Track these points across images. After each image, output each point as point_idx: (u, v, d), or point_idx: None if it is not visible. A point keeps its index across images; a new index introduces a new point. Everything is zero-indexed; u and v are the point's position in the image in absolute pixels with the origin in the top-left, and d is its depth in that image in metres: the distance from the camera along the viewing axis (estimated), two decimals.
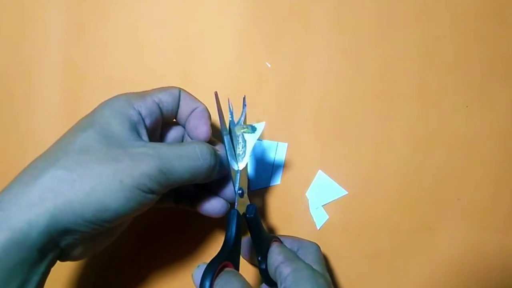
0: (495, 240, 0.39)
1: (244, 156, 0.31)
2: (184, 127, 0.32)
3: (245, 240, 0.34)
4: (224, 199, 0.32)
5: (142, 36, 0.38)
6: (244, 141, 0.32)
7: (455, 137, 0.39)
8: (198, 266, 0.28)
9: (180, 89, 0.31)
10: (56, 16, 0.38)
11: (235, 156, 0.31)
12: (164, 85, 0.31)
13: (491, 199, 0.39)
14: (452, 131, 0.39)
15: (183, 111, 0.31)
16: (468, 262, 0.38)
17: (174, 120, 0.32)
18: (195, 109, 0.31)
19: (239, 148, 0.31)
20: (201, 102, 0.31)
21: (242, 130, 0.32)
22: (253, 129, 0.32)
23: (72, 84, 0.38)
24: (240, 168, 0.31)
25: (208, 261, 0.27)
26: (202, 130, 0.30)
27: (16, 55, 0.38)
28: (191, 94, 0.31)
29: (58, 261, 0.26)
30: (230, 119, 0.31)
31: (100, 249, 0.29)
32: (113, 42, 0.38)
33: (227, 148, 0.30)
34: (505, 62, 0.39)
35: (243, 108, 0.32)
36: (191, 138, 0.32)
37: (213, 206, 0.32)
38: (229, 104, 0.31)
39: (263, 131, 0.38)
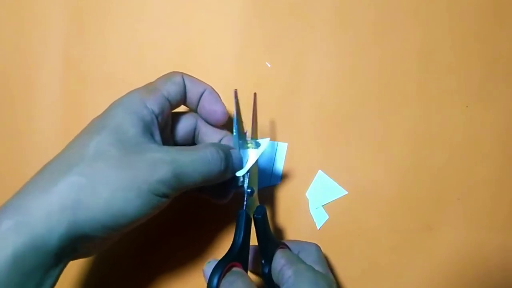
0: (495, 240, 0.39)
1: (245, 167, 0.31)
2: (194, 110, 0.32)
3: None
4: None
5: (142, 36, 0.38)
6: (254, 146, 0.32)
7: (455, 137, 0.39)
8: (209, 262, 0.28)
9: (182, 74, 0.31)
10: (56, 16, 0.38)
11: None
12: None
13: (491, 199, 0.39)
14: (452, 131, 0.39)
15: (192, 96, 0.31)
16: (468, 262, 0.38)
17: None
18: (203, 92, 0.31)
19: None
20: (205, 83, 0.32)
21: (246, 145, 0.32)
22: (257, 145, 0.32)
23: (72, 84, 0.38)
24: (240, 174, 0.31)
25: (218, 257, 0.27)
26: (218, 115, 0.31)
27: (16, 55, 0.38)
28: (193, 77, 0.31)
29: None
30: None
31: (110, 245, 0.29)
32: (113, 42, 0.38)
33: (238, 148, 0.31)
34: (505, 62, 0.39)
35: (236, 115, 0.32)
36: (208, 122, 0.32)
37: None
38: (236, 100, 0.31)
39: (262, 131, 0.38)
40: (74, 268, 0.37)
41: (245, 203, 0.30)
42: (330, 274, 0.30)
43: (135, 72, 0.38)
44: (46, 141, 0.27)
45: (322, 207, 0.38)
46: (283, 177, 0.38)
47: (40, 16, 0.38)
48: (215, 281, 0.26)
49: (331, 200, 0.38)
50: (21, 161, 0.38)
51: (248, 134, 0.33)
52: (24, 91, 0.38)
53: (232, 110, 0.31)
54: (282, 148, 0.38)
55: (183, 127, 0.32)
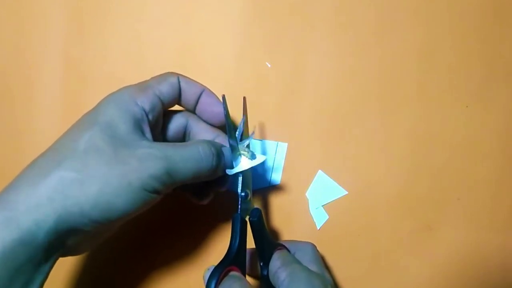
0: (495, 240, 0.39)
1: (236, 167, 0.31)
2: (191, 110, 0.32)
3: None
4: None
5: (142, 36, 0.38)
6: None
7: (455, 137, 0.39)
8: (208, 269, 0.28)
9: (178, 76, 0.31)
10: (56, 16, 0.38)
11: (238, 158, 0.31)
12: None
13: (491, 199, 0.39)
14: (452, 131, 0.39)
15: (189, 98, 0.31)
16: (468, 262, 0.38)
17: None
18: (200, 93, 0.31)
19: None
20: (201, 84, 0.32)
21: (241, 151, 0.31)
22: (253, 157, 0.31)
23: (72, 83, 0.38)
24: (230, 173, 0.31)
25: (216, 262, 0.28)
26: (220, 116, 0.31)
27: (16, 55, 0.38)
28: (190, 79, 0.31)
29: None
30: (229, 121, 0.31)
31: (101, 242, 0.29)
32: (113, 42, 0.38)
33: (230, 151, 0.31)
34: (505, 62, 0.39)
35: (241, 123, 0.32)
36: (207, 123, 0.32)
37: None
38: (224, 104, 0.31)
39: (262, 131, 0.38)
40: (68, 267, 0.37)
41: (239, 206, 0.31)
42: (326, 273, 0.30)
43: (135, 72, 0.38)
44: (46, 141, 0.27)
45: (322, 207, 0.38)
46: (283, 177, 0.38)
47: (40, 16, 0.38)
48: (212, 286, 0.26)
49: (331, 200, 0.38)
50: (21, 161, 0.38)
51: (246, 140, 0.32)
52: (24, 91, 0.38)
53: (238, 111, 0.31)
54: (282, 148, 0.38)
55: (174, 126, 0.32)
